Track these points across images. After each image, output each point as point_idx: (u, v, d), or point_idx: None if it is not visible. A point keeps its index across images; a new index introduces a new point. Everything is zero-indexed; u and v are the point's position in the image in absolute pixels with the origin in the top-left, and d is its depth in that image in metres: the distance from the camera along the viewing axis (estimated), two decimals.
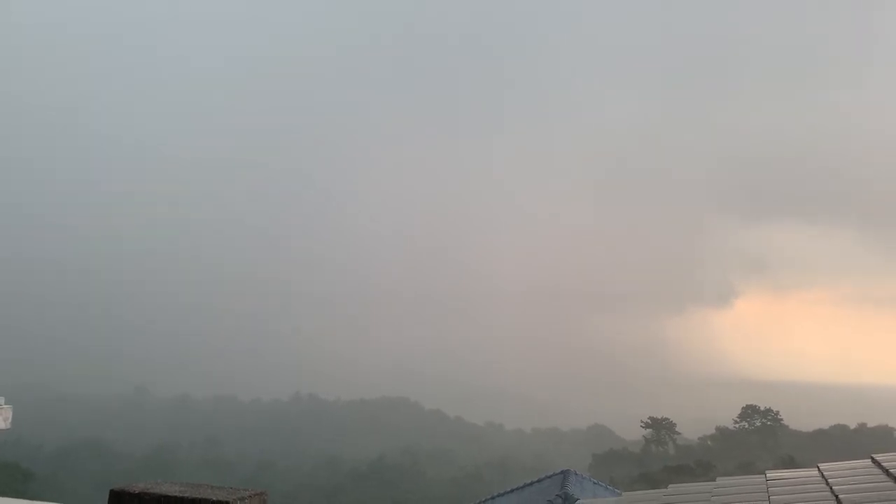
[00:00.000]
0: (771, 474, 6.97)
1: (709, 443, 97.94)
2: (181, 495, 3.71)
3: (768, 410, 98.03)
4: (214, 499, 3.70)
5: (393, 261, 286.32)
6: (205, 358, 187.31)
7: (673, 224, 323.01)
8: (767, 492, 6.17)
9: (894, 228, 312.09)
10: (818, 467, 6.86)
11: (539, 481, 22.81)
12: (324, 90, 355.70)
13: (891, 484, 5.72)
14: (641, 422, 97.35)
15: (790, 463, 58.79)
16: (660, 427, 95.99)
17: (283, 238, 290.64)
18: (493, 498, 23.40)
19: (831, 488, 5.87)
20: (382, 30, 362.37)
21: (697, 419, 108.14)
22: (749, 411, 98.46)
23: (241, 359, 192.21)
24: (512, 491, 23.18)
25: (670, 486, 7.51)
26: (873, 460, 6.71)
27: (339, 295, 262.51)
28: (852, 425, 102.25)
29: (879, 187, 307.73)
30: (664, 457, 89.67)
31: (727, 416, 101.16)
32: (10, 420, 6.36)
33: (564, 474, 21.40)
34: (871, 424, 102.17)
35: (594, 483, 22.66)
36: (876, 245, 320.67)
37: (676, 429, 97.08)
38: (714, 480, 7.46)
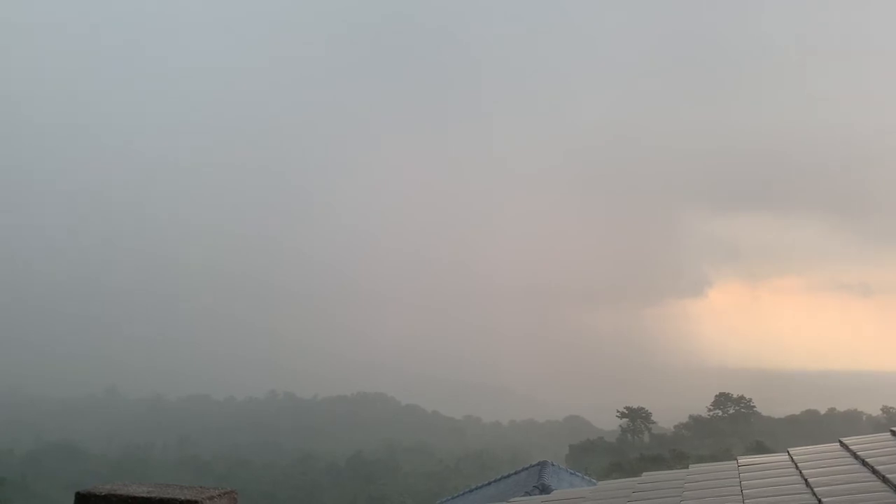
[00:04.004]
0: (742, 460, 7.04)
1: (683, 431, 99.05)
2: (149, 496, 3.65)
3: (741, 398, 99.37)
4: (183, 498, 3.65)
5: (369, 258, 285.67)
6: (176, 357, 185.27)
7: (648, 217, 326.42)
8: (739, 477, 6.23)
9: (862, 218, 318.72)
10: (788, 452, 6.94)
11: (516, 473, 22.91)
12: (308, 89, 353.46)
13: (858, 466, 5.81)
14: (617, 412, 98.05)
15: (762, 449, 59.63)
16: (635, 416, 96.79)
17: (258, 236, 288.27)
18: (470, 491, 23.45)
19: (801, 472, 5.95)
20: (372, 29, 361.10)
21: (672, 408, 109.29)
22: (722, 399, 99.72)
23: (213, 357, 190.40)
24: (489, 483, 23.25)
25: (644, 474, 7.56)
26: (842, 444, 6.81)
27: (314, 292, 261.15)
28: (823, 410, 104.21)
29: (848, 179, 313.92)
30: (640, 446, 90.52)
31: (701, 404, 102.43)
32: None
33: (541, 465, 21.50)
34: (840, 409, 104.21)
35: (570, 473, 22.82)
36: (844, 234, 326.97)
37: (652, 418, 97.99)
38: (687, 468, 7.53)
